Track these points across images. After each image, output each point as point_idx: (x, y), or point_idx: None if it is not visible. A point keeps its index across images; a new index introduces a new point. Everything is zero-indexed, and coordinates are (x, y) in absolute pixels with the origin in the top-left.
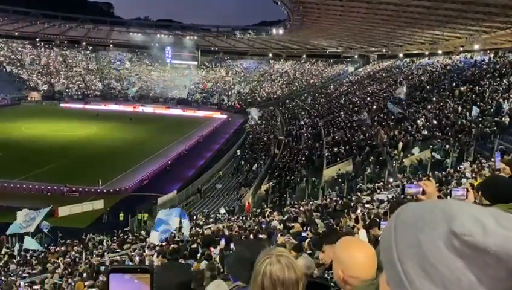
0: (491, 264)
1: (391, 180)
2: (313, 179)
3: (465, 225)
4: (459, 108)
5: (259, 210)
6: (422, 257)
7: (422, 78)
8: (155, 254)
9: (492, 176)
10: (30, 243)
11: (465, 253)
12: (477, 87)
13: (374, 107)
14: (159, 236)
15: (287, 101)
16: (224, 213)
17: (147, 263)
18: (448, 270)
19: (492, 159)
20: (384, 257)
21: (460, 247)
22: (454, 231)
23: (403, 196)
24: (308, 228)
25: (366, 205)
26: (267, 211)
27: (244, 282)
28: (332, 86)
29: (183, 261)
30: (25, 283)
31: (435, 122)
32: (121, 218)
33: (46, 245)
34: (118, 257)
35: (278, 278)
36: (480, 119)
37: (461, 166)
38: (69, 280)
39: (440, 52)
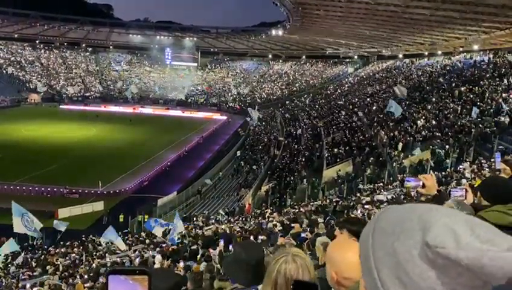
0: (464, 275)
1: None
2: (313, 179)
3: (438, 237)
4: (459, 108)
5: (259, 211)
6: (398, 265)
7: (422, 78)
8: (156, 256)
9: (492, 177)
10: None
11: (438, 263)
12: (476, 88)
13: (374, 107)
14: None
15: (287, 102)
16: (224, 215)
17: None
18: (422, 280)
19: (492, 160)
20: (362, 262)
21: (433, 258)
22: (428, 242)
23: (403, 193)
24: (308, 229)
25: (366, 206)
26: (267, 212)
27: (241, 284)
28: (331, 87)
29: (182, 263)
30: (31, 285)
31: (434, 122)
32: (121, 219)
33: (46, 247)
34: (118, 259)
35: (291, 278)
36: (479, 119)
37: (461, 166)
38: (69, 282)
39: (439, 52)
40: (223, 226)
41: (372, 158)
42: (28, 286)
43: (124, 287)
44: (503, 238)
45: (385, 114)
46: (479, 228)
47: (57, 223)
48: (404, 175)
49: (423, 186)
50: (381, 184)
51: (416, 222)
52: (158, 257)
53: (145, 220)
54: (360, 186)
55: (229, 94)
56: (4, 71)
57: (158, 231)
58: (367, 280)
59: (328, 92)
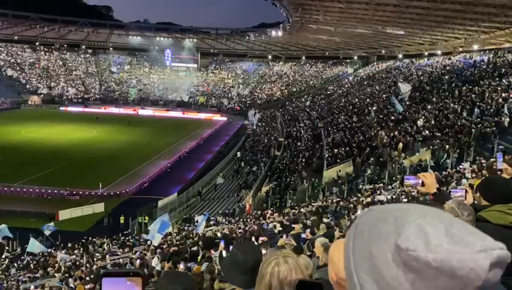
0: (440, 277)
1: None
2: (312, 179)
3: (409, 239)
4: (459, 108)
5: (259, 212)
6: (375, 269)
7: (422, 78)
8: (155, 257)
9: (492, 177)
10: (34, 246)
11: (412, 266)
12: (476, 88)
13: (374, 108)
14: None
15: (287, 103)
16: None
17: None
18: (398, 283)
19: (492, 159)
20: (345, 265)
21: (406, 261)
22: (399, 245)
23: (404, 193)
24: (308, 230)
25: (366, 207)
26: (267, 213)
27: (238, 285)
28: (331, 87)
29: (182, 265)
30: (34, 286)
31: (434, 122)
32: (122, 221)
33: (46, 249)
34: (120, 260)
35: (285, 279)
36: (479, 119)
37: (461, 166)
38: (70, 284)
39: (439, 52)
40: (224, 228)
41: (372, 158)
42: (32, 287)
43: (118, 288)
44: (478, 239)
45: (385, 114)
46: (454, 228)
47: (47, 227)
48: (404, 175)
49: (422, 184)
50: (382, 184)
51: (392, 224)
52: (155, 259)
53: (146, 221)
54: (361, 186)
55: (229, 95)
56: (4, 73)
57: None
58: (349, 283)
59: (328, 92)
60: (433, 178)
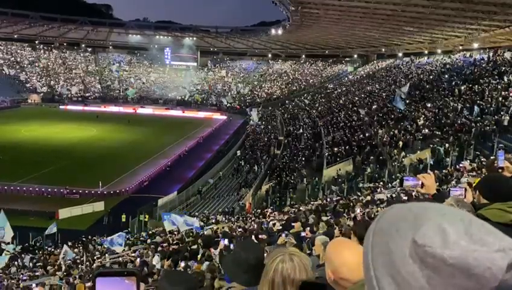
0: (456, 275)
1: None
2: (312, 178)
3: (427, 235)
4: (459, 107)
5: (259, 210)
6: (391, 264)
7: (422, 77)
8: (155, 256)
9: (491, 175)
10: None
11: (428, 263)
12: (476, 86)
13: (374, 106)
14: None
15: (287, 101)
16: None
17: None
18: (413, 279)
19: (492, 157)
20: (363, 260)
21: (423, 257)
22: (417, 241)
23: (404, 192)
24: (308, 228)
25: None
26: (267, 211)
27: (239, 283)
28: (331, 86)
29: (182, 263)
30: (35, 284)
31: (434, 121)
32: (123, 219)
33: (47, 248)
34: (120, 259)
35: (288, 276)
36: (479, 118)
37: (461, 165)
38: (70, 282)
39: (439, 51)
40: (224, 226)
41: (372, 157)
42: (33, 285)
43: (114, 288)
44: (496, 239)
45: (385, 113)
46: (474, 227)
47: (50, 227)
48: (403, 174)
49: (422, 185)
50: (382, 183)
51: (410, 221)
52: (156, 258)
53: (146, 220)
54: (361, 185)
55: (229, 94)
56: (3, 72)
57: (167, 225)
58: (365, 277)
59: (328, 91)
60: (433, 179)
